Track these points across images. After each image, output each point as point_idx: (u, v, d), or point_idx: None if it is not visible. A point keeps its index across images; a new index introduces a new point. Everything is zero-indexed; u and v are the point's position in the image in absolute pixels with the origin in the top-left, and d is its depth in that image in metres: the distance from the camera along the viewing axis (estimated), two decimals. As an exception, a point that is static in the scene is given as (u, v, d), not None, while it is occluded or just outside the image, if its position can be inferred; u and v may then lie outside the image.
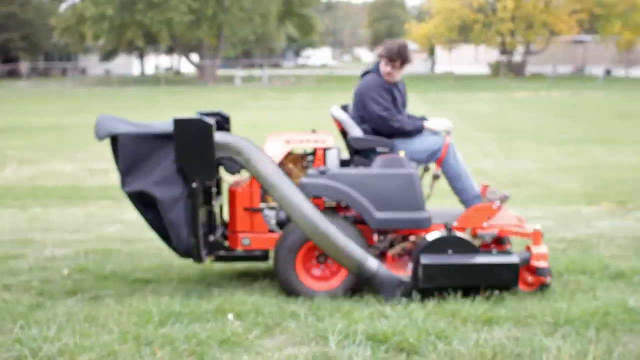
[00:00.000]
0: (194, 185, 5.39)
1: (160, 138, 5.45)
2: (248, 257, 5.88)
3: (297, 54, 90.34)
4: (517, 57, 61.35)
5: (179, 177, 5.40)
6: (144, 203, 5.54)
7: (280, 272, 5.54)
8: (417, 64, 71.32)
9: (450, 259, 5.31)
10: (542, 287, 5.43)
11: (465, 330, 4.51)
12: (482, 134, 18.66)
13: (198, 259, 5.54)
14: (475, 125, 21.40)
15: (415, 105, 29.96)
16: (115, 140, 5.50)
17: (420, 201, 5.62)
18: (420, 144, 5.94)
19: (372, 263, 5.34)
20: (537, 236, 5.54)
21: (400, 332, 4.42)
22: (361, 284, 5.48)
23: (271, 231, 5.78)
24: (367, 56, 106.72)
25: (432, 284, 5.26)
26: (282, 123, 21.06)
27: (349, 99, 6.39)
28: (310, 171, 5.62)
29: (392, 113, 5.93)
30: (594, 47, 63.39)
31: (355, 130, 6.00)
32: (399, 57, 5.96)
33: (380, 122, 5.91)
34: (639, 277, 5.89)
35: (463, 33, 58.63)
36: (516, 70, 58.97)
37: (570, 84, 47.92)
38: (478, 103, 31.09)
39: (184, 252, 5.54)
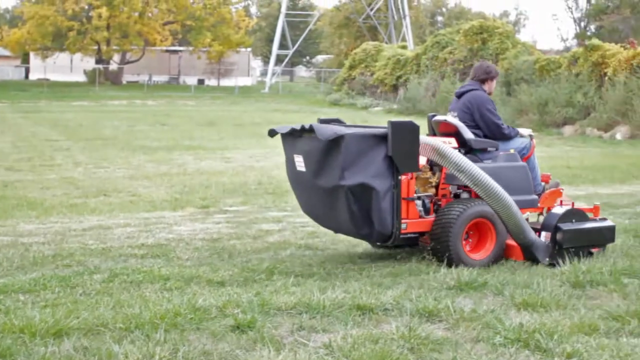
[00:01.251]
0: (401, 177, 6.41)
1: (377, 138, 6.36)
2: (402, 238, 6.67)
3: None
4: (113, 66, 61.31)
5: (390, 171, 6.38)
6: (356, 195, 6.31)
7: (452, 248, 6.54)
8: (10, 71, 67.88)
9: (578, 225, 6.92)
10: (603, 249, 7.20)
11: (32, 346, 4.37)
12: (73, 143, 18.37)
13: (394, 242, 6.66)
14: (68, 135, 20.98)
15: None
16: (334, 141, 6.24)
17: (532, 186, 7.39)
18: (515, 144, 7.65)
19: (533, 233, 6.74)
20: (597, 210, 7.59)
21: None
22: (500, 257, 6.83)
23: (421, 217, 6.73)
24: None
25: (568, 245, 6.79)
26: None
27: None
28: None
29: (502, 122, 7.63)
30: (188, 58, 65.64)
31: (469, 134, 7.35)
32: (498, 75, 8.11)
33: (495, 128, 7.52)
34: (208, 278, 6.19)
35: (58, 40, 57.11)
36: (113, 79, 58.94)
37: (165, 92, 49.13)
38: (72, 112, 30.50)
39: (383, 236, 6.59)
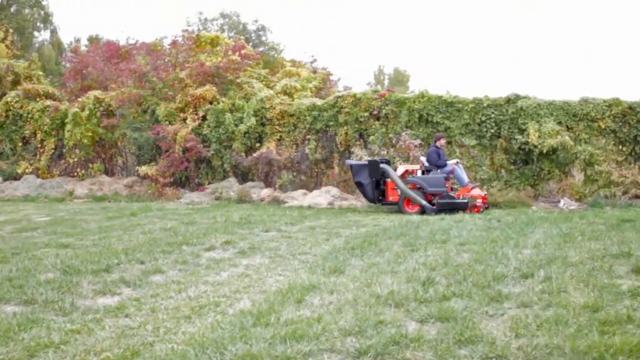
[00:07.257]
0: (374, 179, 16.55)
1: (364, 165, 16.70)
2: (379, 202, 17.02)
3: None
4: None
5: (369, 176, 16.54)
6: (359, 185, 16.75)
7: (400, 207, 16.50)
8: None
9: (448, 200, 16.13)
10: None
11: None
12: None
13: (375, 202, 16.92)
14: None
15: None
16: (350, 166, 17.33)
17: (443, 184, 16.34)
18: (445, 169, 16.77)
19: (424, 202, 16.20)
20: (464, 191, 16.77)
21: None
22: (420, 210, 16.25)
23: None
24: None
25: (442, 208, 15.80)
26: None
27: None
28: (412, 177, 16.50)
29: (439, 161, 16.81)
30: None
31: (426, 163, 16.89)
32: (443, 137, 17.70)
33: (434, 163, 16.77)
34: None
35: None
36: None
37: None
38: None
39: (372, 200, 16.77)
